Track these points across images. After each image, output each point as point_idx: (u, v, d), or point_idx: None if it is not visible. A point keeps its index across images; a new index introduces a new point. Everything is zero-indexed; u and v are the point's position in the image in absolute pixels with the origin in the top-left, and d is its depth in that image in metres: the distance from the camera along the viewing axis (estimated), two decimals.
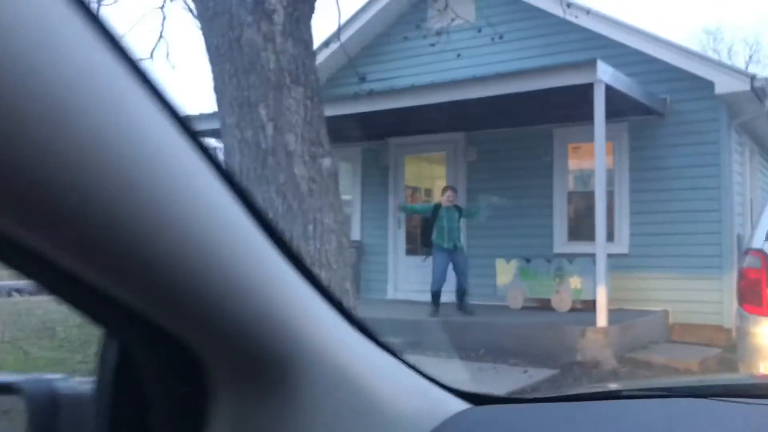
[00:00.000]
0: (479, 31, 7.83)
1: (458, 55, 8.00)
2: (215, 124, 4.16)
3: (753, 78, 8.92)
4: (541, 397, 1.01)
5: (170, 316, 0.55)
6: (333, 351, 0.68)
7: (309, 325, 0.65)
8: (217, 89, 3.67)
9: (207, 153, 0.53)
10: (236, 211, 0.56)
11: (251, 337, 0.60)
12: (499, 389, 6.19)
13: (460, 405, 0.90)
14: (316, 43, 8.02)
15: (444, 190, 9.37)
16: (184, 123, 0.51)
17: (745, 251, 4.64)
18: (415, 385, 0.85)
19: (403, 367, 0.83)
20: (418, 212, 10.05)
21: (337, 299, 0.71)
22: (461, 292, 8.91)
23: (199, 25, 3.79)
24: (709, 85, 8.98)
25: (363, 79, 6.67)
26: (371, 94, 8.18)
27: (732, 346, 6.97)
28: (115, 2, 6.38)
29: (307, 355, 0.65)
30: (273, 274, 0.61)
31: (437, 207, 9.03)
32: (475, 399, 0.92)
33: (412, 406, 0.81)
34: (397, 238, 11.44)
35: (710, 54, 34.11)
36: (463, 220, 9.22)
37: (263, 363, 0.63)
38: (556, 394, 1.02)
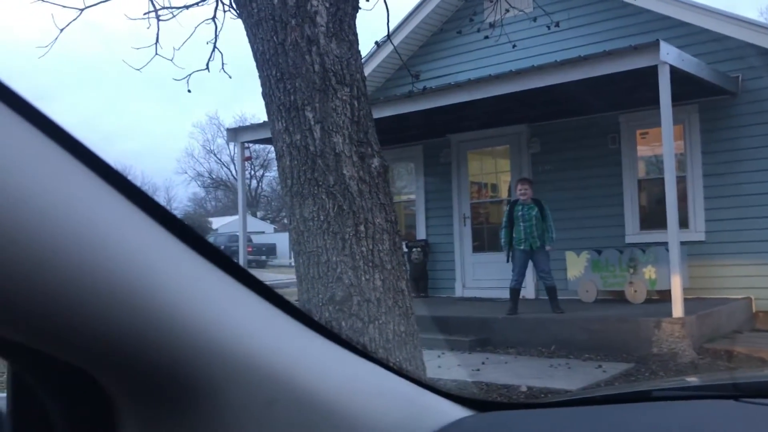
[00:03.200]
0: (534, 20, 7.64)
1: (514, 46, 7.83)
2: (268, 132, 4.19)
3: None
4: (556, 401, 0.94)
5: (51, 343, 0.49)
6: (269, 361, 0.60)
7: (233, 334, 0.57)
8: (265, 95, 3.69)
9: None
10: (126, 211, 0.50)
11: (149, 355, 0.52)
12: (572, 385, 6.04)
13: (459, 412, 0.83)
14: (371, 44, 8.09)
15: (517, 183, 8.81)
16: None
17: None
18: (400, 392, 0.78)
19: (384, 373, 0.76)
20: (504, 234, 8.58)
21: (285, 301, 0.64)
22: (549, 291, 8.42)
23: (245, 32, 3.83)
24: None
25: (417, 77, 6.61)
26: (427, 91, 8.10)
27: None
28: (173, 17, 6.52)
29: (229, 370, 0.57)
30: (177, 283, 0.53)
31: (513, 205, 8.54)
32: (479, 405, 0.86)
33: (394, 415, 0.73)
34: (463, 235, 11.33)
35: None
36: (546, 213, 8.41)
37: (168, 384, 0.55)
38: (573, 397, 0.95)
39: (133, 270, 0.50)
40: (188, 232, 0.56)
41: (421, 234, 11.78)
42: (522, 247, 8.36)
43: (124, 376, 0.54)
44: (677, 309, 7.16)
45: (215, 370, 0.56)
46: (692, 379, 1.77)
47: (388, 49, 10.41)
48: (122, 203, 0.51)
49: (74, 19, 5.75)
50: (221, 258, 0.59)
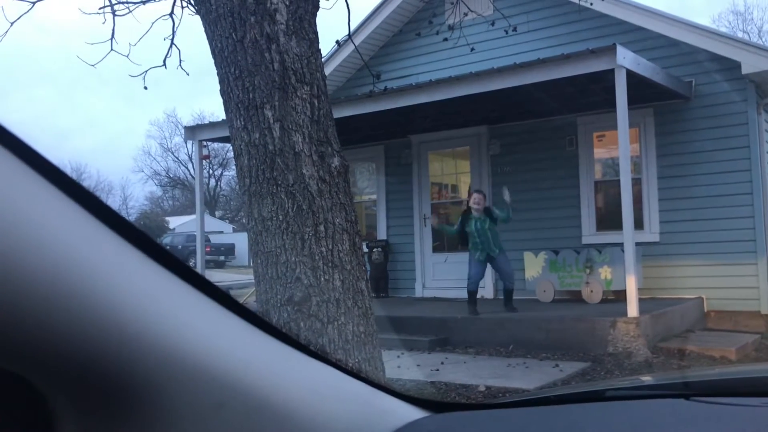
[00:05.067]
0: (492, 24, 7.70)
1: (472, 49, 7.89)
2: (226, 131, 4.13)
3: None
4: (512, 401, 0.94)
5: None
6: (216, 364, 0.58)
7: (178, 336, 0.55)
8: (224, 92, 3.64)
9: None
10: (61, 206, 0.48)
11: (87, 358, 0.49)
12: (530, 384, 6.09)
13: (415, 413, 0.82)
14: (332, 43, 8.07)
15: (470, 194, 8.86)
16: None
17: None
18: (355, 395, 0.77)
19: (340, 375, 0.75)
20: (448, 233, 9.40)
21: (234, 302, 0.62)
22: (506, 292, 8.53)
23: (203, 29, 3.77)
24: (736, 65, 8.76)
25: (378, 77, 6.61)
26: (387, 92, 8.11)
27: None
28: (129, 12, 6.40)
29: (173, 373, 0.54)
30: (118, 282, 0.50)
31: (465, 216, 8.54)
32: (435, 406, 0.85)
33: (349, 418, 0.72)
34: (423, 236, 11.37)
35: (740, 36, 33.39)
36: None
37: (108, 387, 0.52)
38: (529, 398, 0.95)
39: (66, 267, 0.47)
40: (128, 227, 0.53)
41: (381, 234, 11.78)
42: (479, 258, 8.40)
43: (61, 380, 0.52)
44: (632, 309, 7.29)
45: (158, 372, 0.54)
46: (645, 379, 1.80)
47: (349, 48, 10.38)
48: (57, 197, 0.48)
49: (26, 12, 5.60)
50: (166, 256, 0.56)
